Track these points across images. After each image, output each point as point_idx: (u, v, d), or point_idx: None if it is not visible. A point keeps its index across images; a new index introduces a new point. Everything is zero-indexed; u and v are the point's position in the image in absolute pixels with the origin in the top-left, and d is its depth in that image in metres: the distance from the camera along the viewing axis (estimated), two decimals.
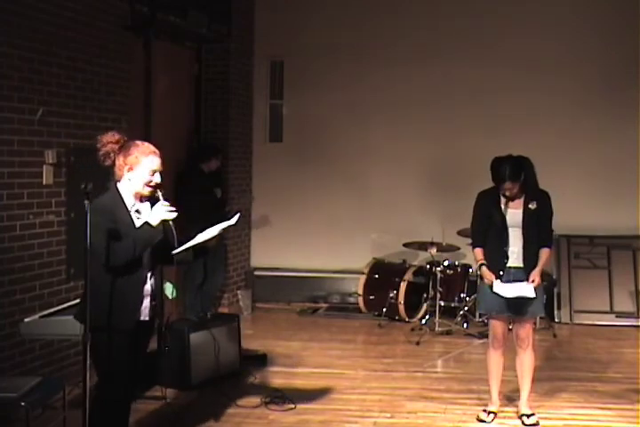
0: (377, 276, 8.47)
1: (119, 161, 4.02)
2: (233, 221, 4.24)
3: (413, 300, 8.27)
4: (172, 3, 7.29)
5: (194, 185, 7.70)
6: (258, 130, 9.32)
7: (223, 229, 4.16)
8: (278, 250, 9.25)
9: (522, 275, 5.23)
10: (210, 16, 7.91)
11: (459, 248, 8.05)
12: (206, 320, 6.21)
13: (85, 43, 5.96)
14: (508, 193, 5.21)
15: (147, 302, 4.10)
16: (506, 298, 5.16)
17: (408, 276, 8.24)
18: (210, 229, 4.14)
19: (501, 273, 5.24)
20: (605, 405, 5.64)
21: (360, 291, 8.52)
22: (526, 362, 5.32)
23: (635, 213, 8.36)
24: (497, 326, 5.33)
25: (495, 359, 5.38)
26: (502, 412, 5.45)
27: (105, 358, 3.98)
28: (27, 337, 4.99)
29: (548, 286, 8.19)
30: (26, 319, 4.73)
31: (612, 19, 8.67)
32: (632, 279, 8.38)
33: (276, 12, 9.14)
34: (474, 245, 5.38)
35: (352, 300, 8.98)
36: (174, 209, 4.01)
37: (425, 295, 8.10)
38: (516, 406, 5.45)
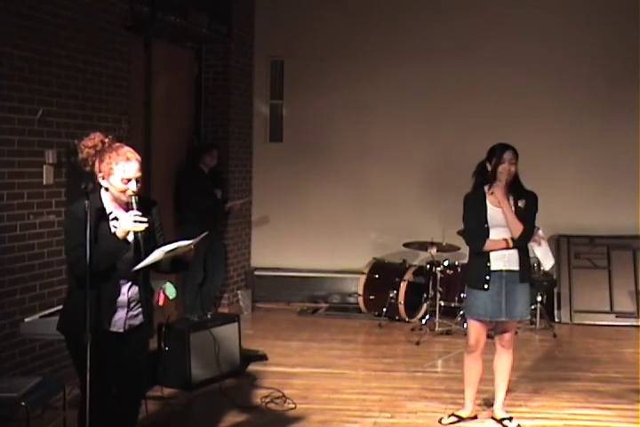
0: (377, 276, 8.47)
1: (96, 168, 3.81)
2: (190, 241, 3.77)
3: (413, 300, 8.26)
4: (172, 3, 7.29)
5: (193, 186, 7.70)
6: (258, 130, 9.31)
7: (178, 248, 3.73)
8: (278, 250, 9.24)
9: (516, 278, 4.96)
10: (210, 16, 7.92)
11: (459, 248, 8.02)
12: (206, 320, 6.20)
13: (85, 43, 5.95)
14: (506, 166, 4.92)
15: (121, 314, 3.86)
16: (498, 302, 4.93)
17: (408, 276, 8.24)
18: (165, 246, 3.74)
19: (487, 277, 4.94)
20: (605, 405, 5.64)
21: (360, 291, 8.52)
22: (506, 362, 5.17)
23: (635, 213, 8.36)
24: (479, 331, 5.07)
25: (474, 365, 5.17)
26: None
27: (75, 363, 3.90)
28: (27, 337, 5.00)
29: (548, 285, 8.20)
30: (26, 319, 4.71)
31: (613, 20, 8.67)
32: (632, 279, 8.38)
33: (276, 11, 9.14)
34: (478, 244, 4.95)
35: (352, 300, 8.98)
36: (144, 220, 3.67)
37: (425, 295, 8.09)
38: (513, 407, 5.44)
